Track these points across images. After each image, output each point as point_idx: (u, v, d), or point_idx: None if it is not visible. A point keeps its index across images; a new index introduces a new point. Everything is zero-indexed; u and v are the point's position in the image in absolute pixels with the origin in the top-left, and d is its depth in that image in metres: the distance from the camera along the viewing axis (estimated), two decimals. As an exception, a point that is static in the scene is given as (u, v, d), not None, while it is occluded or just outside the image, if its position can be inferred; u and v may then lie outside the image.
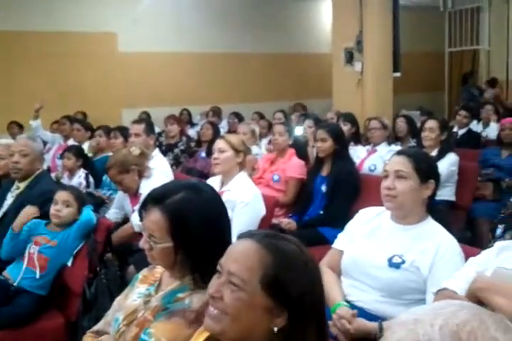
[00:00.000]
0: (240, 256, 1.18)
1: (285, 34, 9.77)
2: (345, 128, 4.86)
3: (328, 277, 2.19)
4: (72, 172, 4.45)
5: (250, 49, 9.55)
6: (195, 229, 1.50)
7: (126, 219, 3.51)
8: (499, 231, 2.79)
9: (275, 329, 1.15)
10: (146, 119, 5.19)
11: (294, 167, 4.10)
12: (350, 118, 5.22)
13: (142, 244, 1.56)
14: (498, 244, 1.86)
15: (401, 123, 5.32)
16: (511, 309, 1.54)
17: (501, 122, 4.97)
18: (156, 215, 1.51)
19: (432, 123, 4.22)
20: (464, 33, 11.03)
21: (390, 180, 2.05)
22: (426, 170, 2.06)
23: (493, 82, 9.58)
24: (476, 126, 6.46)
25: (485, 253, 1.85)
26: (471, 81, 9.84)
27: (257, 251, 1.17)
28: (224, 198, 3.05)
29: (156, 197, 1.54)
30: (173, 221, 1.50)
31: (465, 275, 1.75)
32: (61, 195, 2.87)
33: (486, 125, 6.44)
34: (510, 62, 10.42)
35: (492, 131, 5.94)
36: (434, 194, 2.10)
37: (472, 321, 0.67)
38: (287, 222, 3.66)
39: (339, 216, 3.19)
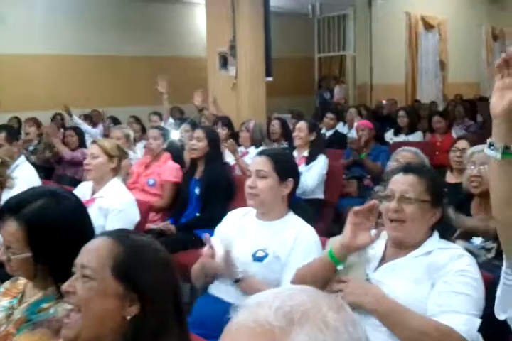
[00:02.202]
0: (92, 249, 1.24)
1: (161, 37, 9.69)
2: (223, 131, 4.99)
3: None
4: None
5: (125, 52, 9.37)
6: (54, 238, 1.48)
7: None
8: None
9: (128, 317, 1.19)
10: (6, 126, 4.90)
11: (169, 170, 4.10)
12: (225, 121, 5.37)
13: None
14: None
15: (275, 126, 5.53)
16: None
17: (356, 124, 5.39)
18: (12, 226, 1.48)
19: (300, 124, 4.47)
20: (332, 39, 11.66)
21: (252, 179, 2.17)
22: (285, 170, 2.19)
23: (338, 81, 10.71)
24: (342, 127, 6.89)
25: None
26: (324, 85, 10.57)
27: (107, 243, 1.23)
28: (96, 205, 3.02)
29: (12, 207, 1.51)
30: (30, 231, 1.47)
31: None
32: None
33: (350, 127, 6.87)
34: (374, 67, 11.24)
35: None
36: (293, 191, 2.24)
37: (307, 302, 0.72)
38: (166, 223, 3.70)
39: (215, 217, 3.19)
